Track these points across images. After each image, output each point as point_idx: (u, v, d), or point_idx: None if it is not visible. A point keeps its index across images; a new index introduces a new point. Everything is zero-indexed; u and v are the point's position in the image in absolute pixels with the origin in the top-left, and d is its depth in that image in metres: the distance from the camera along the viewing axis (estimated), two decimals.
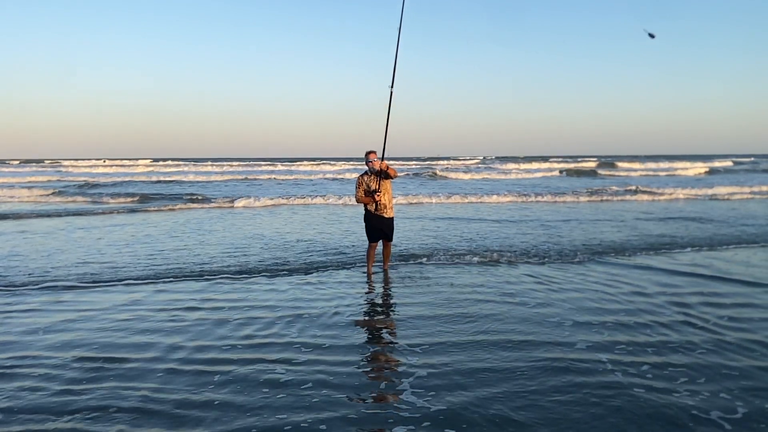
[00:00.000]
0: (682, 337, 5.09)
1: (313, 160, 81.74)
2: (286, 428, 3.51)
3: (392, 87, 7.32)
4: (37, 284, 7.37)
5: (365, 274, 7.82)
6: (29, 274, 7.93)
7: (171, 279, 7.61)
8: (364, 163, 7.62)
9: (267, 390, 4.05)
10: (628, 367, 4.40)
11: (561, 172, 41.67)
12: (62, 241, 11.02)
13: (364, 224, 7.82)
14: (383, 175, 7.43)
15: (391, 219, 7.76)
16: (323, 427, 3.51)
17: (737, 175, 39.05)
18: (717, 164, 52.37)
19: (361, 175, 7.70)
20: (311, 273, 7.93)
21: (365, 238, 8.03)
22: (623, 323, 5.51)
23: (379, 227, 7.65)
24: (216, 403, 3.86)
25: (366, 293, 6.93)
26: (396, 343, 5.10)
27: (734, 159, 71.25)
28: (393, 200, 7.86)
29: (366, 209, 7.70)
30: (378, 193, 7.43)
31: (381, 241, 7.89)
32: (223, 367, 4.47)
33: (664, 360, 4.57)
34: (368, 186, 7.56)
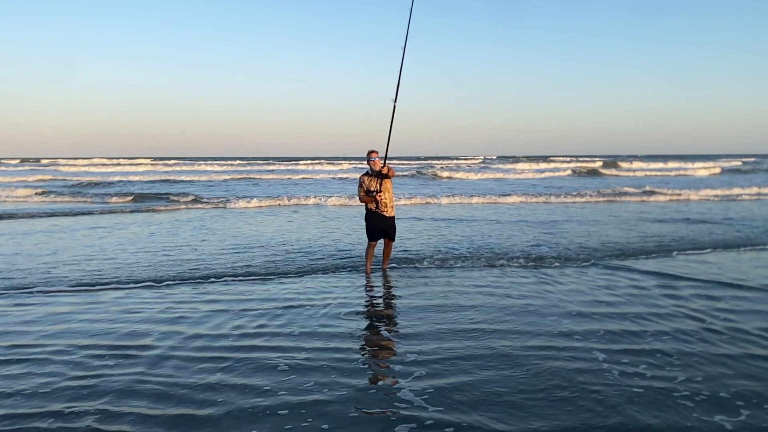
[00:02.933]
0: (677, 332, 5.02)
1: (315, 159, 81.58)
2: (285, 409, 3.64)
3: (395, 101, 7.47)
4: (36, 284, 7.32)
5: (364, 273, 7.78)
6: (29, 274, 7.88)
7: (168, 278, 7.54)
8: (366, 162, 7.69)
9: (269, 376, 4.18)
10: (622, 361, 4.38)
11: (574, 171, 41.07)
12: (54, 242, 10.98)
13: (365, 223, 7.80)
14: (383, 175, 7.49)
15: (392, 218, 7.76)
16: (327, 409, 3.55)
17: (749, 175, 38.74)
18: (725, 164, 51.68)
19: (363, 176, 7.74)
20: (310, 271, 7.89)
21: (365, 238, 8.01)
22: (621, 318, 5.46)
23: (379, 226, 7.66)
24: (220, 386, 4.01)
25: (364, 291, 6.92)
26: (392, 333, 5.23)
27: (736, 159, 70.84)
28: (394, 200, 7.88)
29: (367, 208, 7.72)
30: (379, 194, 7.47)
31: (383, 240, 7.86)
32: (223, 354, 4.65)
33: (654, 348, 4.64)
34: (369, 186, 7.59)
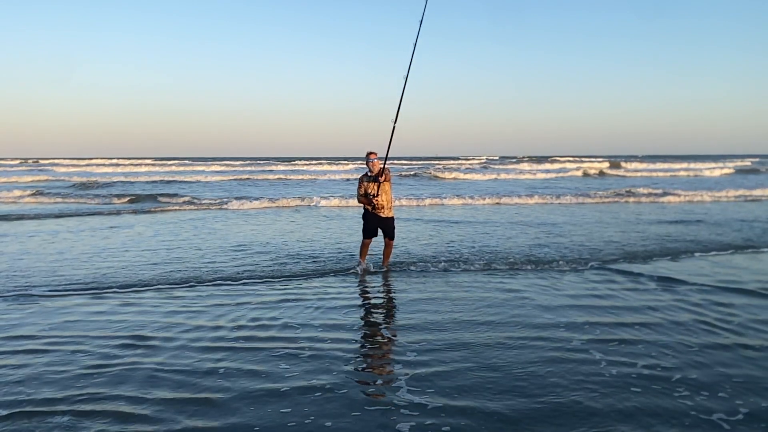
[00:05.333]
0: (673, 325, 5.04)
1: (315, 159, 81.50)
2: (286, 398, 3.76)
3: (395, 122, 7.64)
4: (39, 284, 7.34)
5: (359, 272, 7.85)
6: (31, 274, 7.90)
7: (170, 277, 7.55)
8: (365, 163, 7.84)
9: (270, 367, 4.31)
10: (619, 356, 4.49)
11: (584, 172, 40.66)
12: (57, 242, 10.99)
13: (362, 222, 7.96)
14: (379, 180, 7.64)
15: (390, 218, 7.89)
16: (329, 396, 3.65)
17: (758, 175, 38.46)
18: (730, 164, 51.30)
19: (363, 177, 7.89)
20: (311, 270, 7.92)
21: (362, 240, 8.06)
22: (619, 315, 5.49)
23: (375, 226, 7.86)
24: (220, 376, 4.17)
25: (363, 288, 7.02)
26: (390, 326, 5.46)
27: (740, 159, 70.50)
28: (393, 201, 8.02)
29: (365, 208, 7.92)
30: (376, 197, 7.67)
31: (383, 239, 8.01)
32: (223, 345, 4.84)
33: (651, 342, 4.68)
34: (367, 189, 7.75)
